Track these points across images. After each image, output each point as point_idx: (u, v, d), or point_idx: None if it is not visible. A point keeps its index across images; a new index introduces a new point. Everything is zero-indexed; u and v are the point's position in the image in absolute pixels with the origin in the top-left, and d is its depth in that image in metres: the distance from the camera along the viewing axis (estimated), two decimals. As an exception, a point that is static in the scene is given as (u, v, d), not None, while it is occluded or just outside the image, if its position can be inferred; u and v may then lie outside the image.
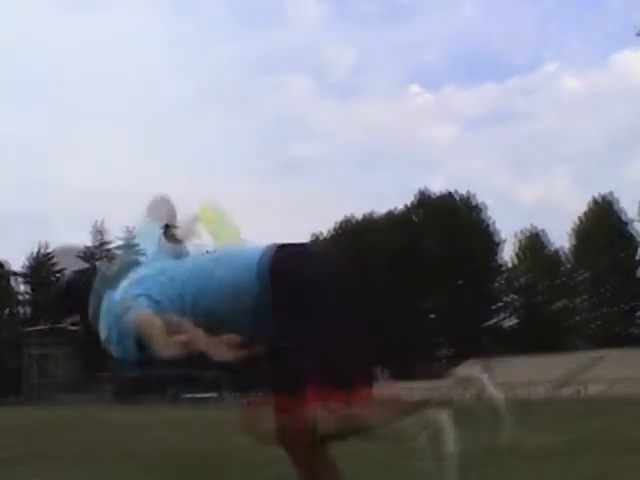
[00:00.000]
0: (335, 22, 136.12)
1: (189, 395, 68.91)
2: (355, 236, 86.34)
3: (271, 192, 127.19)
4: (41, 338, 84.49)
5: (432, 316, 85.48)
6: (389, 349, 79.51)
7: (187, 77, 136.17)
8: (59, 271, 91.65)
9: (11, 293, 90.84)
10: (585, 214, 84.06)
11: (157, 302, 3.43)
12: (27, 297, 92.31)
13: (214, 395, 68.10)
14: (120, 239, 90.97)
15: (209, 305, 3.45)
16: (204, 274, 3.50)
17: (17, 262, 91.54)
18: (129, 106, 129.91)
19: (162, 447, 12.29)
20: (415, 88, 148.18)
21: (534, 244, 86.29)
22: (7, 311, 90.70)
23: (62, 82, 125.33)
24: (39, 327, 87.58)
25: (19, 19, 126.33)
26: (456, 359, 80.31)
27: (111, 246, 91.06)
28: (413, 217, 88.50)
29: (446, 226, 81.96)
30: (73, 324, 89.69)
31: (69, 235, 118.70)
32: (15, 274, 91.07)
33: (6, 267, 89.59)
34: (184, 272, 3.56)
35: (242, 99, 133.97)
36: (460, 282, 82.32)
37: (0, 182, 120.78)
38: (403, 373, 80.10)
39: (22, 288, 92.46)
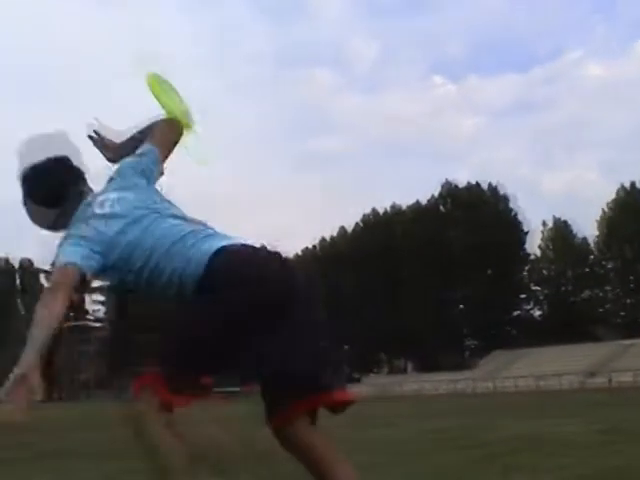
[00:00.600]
0: (357, 15, 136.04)
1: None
2: (382, 228, 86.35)
3: (297, 185, 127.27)
4: (75, 335, 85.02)
5: (459, 307, 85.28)
6: (413, 341, 79.50)
7: (211, 72, 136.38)
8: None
9: (42, 291, 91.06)
10: (611, 203, 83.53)
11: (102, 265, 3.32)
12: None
13: (241, 388, 68.21)
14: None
15: (165, 284, 3.31)
16: (173, 250, 3.29)
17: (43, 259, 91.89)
18: (153, 103, 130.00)
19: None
20: (438, 79, 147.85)
21: (561, 234, 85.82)
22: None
23: (89, 80, 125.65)
24: (73, 324, 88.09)
25: (47, 17, 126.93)
26: (482, 350, 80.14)
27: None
28: (440, 208, 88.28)
29: (472, 217, 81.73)
30: (97, 320, 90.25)
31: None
32: (45, 272, 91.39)
33: (35, 265, 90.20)
34: (153, 237, 3.34)
35: (265, 93, 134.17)
36: (487, 273, 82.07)
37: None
38: (428, 365, 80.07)
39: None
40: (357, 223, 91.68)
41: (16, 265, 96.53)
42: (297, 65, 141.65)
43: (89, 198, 3.56)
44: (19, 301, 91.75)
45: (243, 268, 3.18)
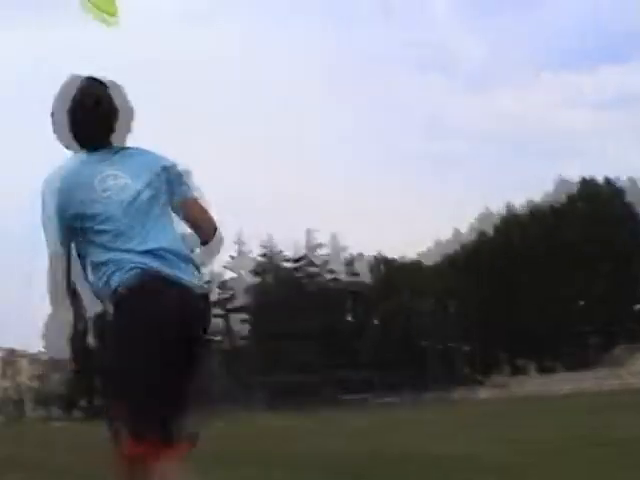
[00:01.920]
0: (462, 14, 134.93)
1: (346, 397, 69.11)
2: (499, 228, 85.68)
3: (414, 189, 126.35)
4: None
5: (579, 304, 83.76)
6: (534, 340, 78.36)
7: (318, 77, 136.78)
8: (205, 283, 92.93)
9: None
10: None
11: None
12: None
13: (368, 396, 68.24)
14: (264, 247, 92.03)
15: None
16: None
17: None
18: (261, 110, 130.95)
19: (318, 450, 12.50)
20: (548, 74, 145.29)
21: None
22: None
23: (186, 93, 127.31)
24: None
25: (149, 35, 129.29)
26: (606, 346, 78.61)
27: (252, 256, 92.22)
28: (556, 205, 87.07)
29: (589, 212, 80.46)
30: (214, 334, 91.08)
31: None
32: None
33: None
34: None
35: (373, 98, 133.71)
36: (606, 268, 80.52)
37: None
38: (550, 364, 78.91)
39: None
40: (471, 224, 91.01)
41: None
42: (405, 68, 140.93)
43: (107, 150, 3.73)
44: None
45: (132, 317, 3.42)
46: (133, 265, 3.47)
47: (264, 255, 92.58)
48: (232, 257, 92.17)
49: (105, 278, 3.51)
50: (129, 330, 3.42)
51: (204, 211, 3.85)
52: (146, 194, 3.64)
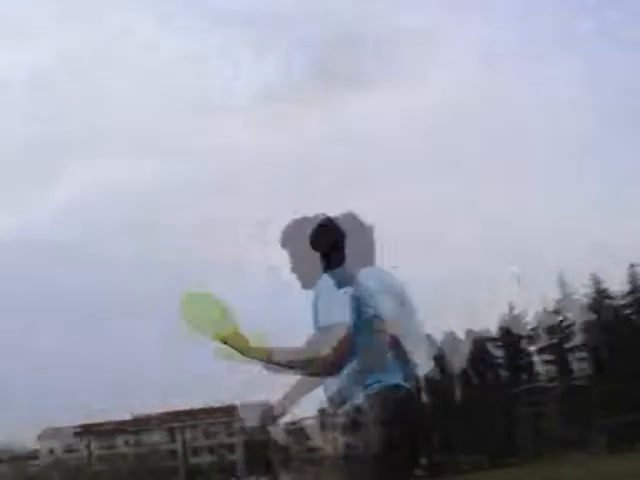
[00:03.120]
0: None
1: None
2: None
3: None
4: (531, 397, 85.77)
5: None
6: None
7: (600, 107, 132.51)
8: (533, 329, 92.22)
9: (491, 358, 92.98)
10: None
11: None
12: (503, 360, 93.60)
13: None
14: (587, 286, 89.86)
15: None
16: None
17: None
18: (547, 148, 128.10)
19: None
20: None
21: None
22: (491, 375, 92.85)
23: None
24: (527, 386, 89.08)
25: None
26: None
27: (576, 296, 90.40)
28: None
29: None
30: (550, 380, 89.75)
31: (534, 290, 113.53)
32: (493, 339, 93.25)
33: (482, 334, 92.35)
34: None
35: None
36: None
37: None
38: None
39: (496, 352, 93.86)
40: None
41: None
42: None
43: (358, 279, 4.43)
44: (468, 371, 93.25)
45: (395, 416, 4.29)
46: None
47: (589, 294, 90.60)
48: (556, 300, 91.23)
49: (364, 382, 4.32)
50: (387, 428, 4.23)
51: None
52: None
